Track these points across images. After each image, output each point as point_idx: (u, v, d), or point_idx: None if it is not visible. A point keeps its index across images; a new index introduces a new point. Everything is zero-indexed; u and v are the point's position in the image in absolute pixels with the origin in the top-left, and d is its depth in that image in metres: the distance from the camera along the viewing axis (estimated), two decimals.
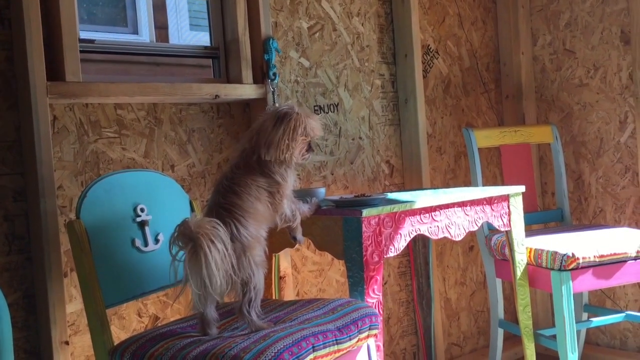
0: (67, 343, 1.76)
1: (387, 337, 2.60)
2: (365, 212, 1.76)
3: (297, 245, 1.84)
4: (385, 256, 1.82)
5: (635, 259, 2.25)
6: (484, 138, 2.66)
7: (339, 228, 1.81)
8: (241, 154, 1.63)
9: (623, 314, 2.48)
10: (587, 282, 2.19)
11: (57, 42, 1.81)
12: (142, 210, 1.72)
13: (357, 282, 1.78)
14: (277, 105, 2.09)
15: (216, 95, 2.08)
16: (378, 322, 1.66)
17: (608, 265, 2.22)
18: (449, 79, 2.88)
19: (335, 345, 1.49)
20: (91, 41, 2.00)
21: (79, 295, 1.84)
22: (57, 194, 1.83)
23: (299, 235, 1.73)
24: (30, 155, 1.74)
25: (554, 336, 2.23)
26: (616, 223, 2.79)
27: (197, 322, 1.55)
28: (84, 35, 1.95)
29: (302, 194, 2.11)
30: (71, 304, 1.86)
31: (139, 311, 1.99)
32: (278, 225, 1.65)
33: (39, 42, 1.74)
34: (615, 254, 2.21)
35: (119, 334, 1.91)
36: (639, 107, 2.63)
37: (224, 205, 1.52)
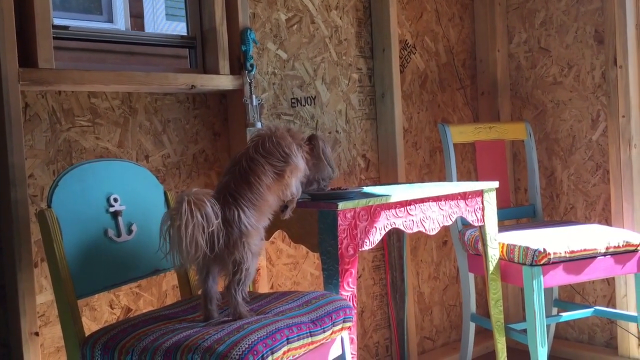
0: (37, 334, 1.73)
1: (360, 330, 2.61)
2: (341, 205, 1.76)
3: (272, 237, 1.86)
4: (360, 249, 1.83)
5: (604, 255, 2.29)
6: (459, 134, 2.68)
7: (315, 221, 1.81)
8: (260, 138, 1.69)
9: (592, 309, 2.53)
10: (558, 277, 2.23)
11: (30, 28, 1.77)
12: (115, 200, 1.70)
13: (331, 275, 1.78)
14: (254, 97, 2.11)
15: (192, 86, 2.06)
16: (352, 315, 1.66)
17: (578, 260, 2.25)
18: (425, 75, 2.89)
19: (309, 338, 1.50)
20: (65, 28, 1.96)
21: (50, 285, 1.81)
22: (28, 182, 1.80)
23: (289, 210, 1.74)
24: (1, 142, 1.70)
25: (525, 330, 2.27)
26: (587, 220, 2.84)
27: (200, 299, 1.57)
28: (57, 21, 1.92)
29: None
30: (41, 295, 1.83)
31: (111, 302, 1.97)
32: (284, 200, 1.70)
33: (12, 27, 1.70)
34: (585, 250, 2.25)
35: (90, 326, 1.89)
36: (610, 106, 2.68)
37: (233, 192, 1.55)
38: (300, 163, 1.69)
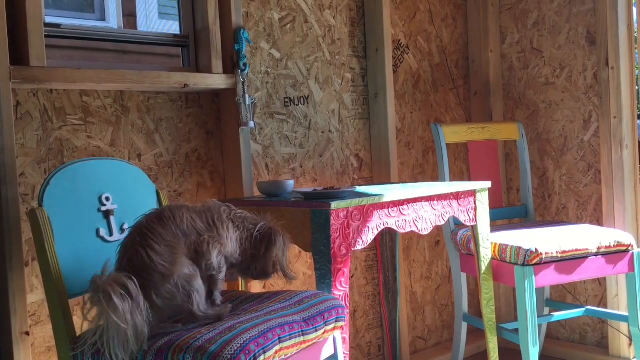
0: (27, 334, 1.72)
1: (353, 329, 2.62)
2: (334, 205, 1.76)
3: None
4: (353, 249, 1.83)
5: (596, 255, 2.30)
6: (451, 134, 2.69)
7: (308, 220, 1.81)
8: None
9: (583, 309, 2.54)
10: (550, 277, 2.24)
11: (22, 26, 1.76)
12: (107, 199, 1.70)
13: (324, 274, 1.78)
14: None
15: (185, 85, 2.05)
16: (344, 315, 1.66)
17: (570, 260, 2.26)
18: (418, 75, 2.89)
19: (302, 337, 1.49)
20: (57, 26, 1.95)
21: (41, 285, 1.80)
22: (19, 181, 1.79)
23: (217, 294, 1.59)
24: None
25: (516, 330, 2.27)
26: (578, 220, 2.85)
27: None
28: (49, 19, 1.91)
29: (271, 187, 2.10)
30: (32, 294, 1.82)
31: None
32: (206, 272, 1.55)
33: (3, 25, 1.69)
34: (577, 250, 2.26)
35: (82, 326, 1.87)
36: (602, 107, 2.69)
37: (144, 229, 1.48)
38: (224, 240, 1.55)
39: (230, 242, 1.57)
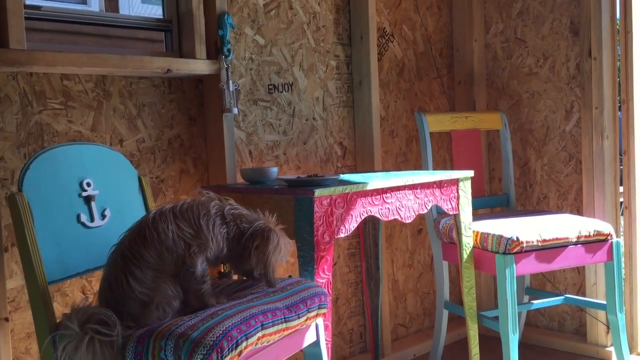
0: (6, 320, 1.71)
1: (335, 317, 2.63)
2: (318, 192, 1.76)
3: None
4: (336, 236, 1.83)
5: (575, 244, 2.33)
6: (435, 123, 2.69)
7: (291, 208, 1.80)
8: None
9: (562, 297, 2.57)
10: (530, 266, 2.26)
11: (1, 7, 1.73)
12: (88, 184, 1.68)
13: (307, 261, 1.79)
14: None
15: (168, 70, 2.03)
16: (327, 302, 1.67)
17: (550, 249, 2.29)
18: (403, 63, 2.89)
19: (284, 324, 1.50)
20: (37, 8, 1.91)
21: (20, 270, 1.78)
22: None
23: (209, 300, 1.52)
24: None
25: (497, 317, 2.30)
26: (559, 209, 2.88)
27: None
28: (30, 1, 1.87)
29: (255, 174, 2.10)
30: (12, 280, 1.80)
31: (83, 288, 1.95)
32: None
33: None
34: (557, 239, 2.28)
35: (61, 311, 1.86)
36: (584, 97, 2.71)
37: (126, 251, 1.46)
38: (209, 243, 1.50)
39: (214, 242, 1.52)
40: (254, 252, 1.54)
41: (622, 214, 2.74)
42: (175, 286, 1.47)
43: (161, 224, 1.47)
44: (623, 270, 2.46)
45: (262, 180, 2.08)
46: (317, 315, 1.63)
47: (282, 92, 2.44)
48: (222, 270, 1.84)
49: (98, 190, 1.70)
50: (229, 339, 1.33)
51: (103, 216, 1.70)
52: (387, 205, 1.99)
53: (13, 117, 1.82)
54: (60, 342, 1.36)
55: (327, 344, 1.76)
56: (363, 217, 1.91)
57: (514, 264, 2.21)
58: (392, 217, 2.01)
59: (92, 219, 1.67)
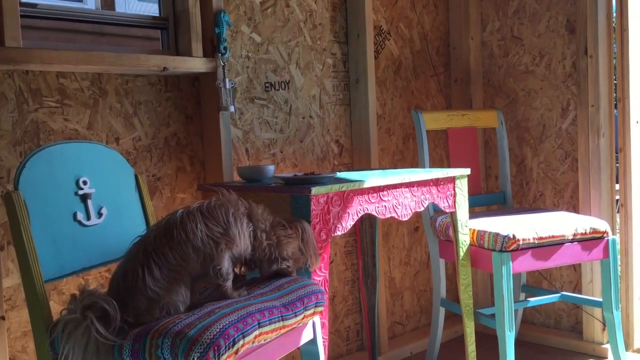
0: (3, 318, 1.70)
1: (332, 315, 2.63)
2: (314, 190, 1.76)
3: None
4: (332, 234, 1.83)
5: (571, 241, 2.33)
6: (432, 121, 2.69)
7: (288, 206, 1.80)
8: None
9: (558, 295, 2.58)
10: (526, 263, 2.27)
11: None
12: (84, 183, 1.67)
13: None
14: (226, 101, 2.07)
15: (164, 68, 2.02)
16: (324, 300, 1.67)
17: (546, 247, 2.29)
18: (399, 61, 2.89)
19: (281, 322, 1.50)
20: (33, 5, 1.91)
21: (17, 269, 1.78)
22: None
23: (231, 295, 1.54)
24: None
25: (493, 315, 2.30)
26: (555, 207, 2.89)
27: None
28: None
29: (251, 172, 2.10)
30: (8, 278, 1.79)
31: (80, 287, 1.94)
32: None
33: None
34: (553, 237, 2.29)
35: (58, 310, 1.86)
36: (580, 95, 2.71)
37: (148, 247, 1.45)
38: (237, 240, 1.52)
39: (242, 240, 1.53)
40: (302, 235, 1.66)
41: (618, 212, 2.75)
42: (187, 292, 1.46)
43: (190, 223, 1.47)
44: (619, 268, 2.46)
45: (259, 178, 2.08)
46: (314, 314, 1.63)
47: (278, 90, 2.44)
48: (238, 274, 1.83)
49: (94, 188, 1.69)
50: (226, 337, 1.33)
51: (99, 214, 1.70)
52: (384, 203, 1.99)
53: (9, 115, 1.81)
54: (62, 320, 1.37)
55: (324, 342, 1.77)
56: (360, 215, 1.91)
57: (511, 262, 2.22)
58: (389, 215, 2.01)
59: (88, 217, 1.67)
